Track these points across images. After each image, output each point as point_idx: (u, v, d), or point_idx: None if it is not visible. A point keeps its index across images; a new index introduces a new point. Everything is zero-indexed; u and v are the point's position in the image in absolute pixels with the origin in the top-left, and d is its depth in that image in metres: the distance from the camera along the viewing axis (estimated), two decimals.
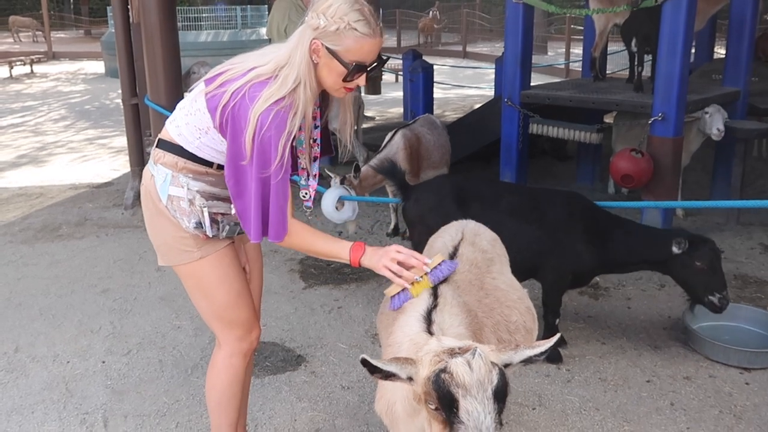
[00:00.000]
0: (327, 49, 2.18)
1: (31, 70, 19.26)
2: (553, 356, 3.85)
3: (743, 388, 3.55)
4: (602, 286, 4.72)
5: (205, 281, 2.53)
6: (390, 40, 24.09)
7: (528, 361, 1.84)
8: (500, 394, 1.70)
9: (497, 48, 20.30)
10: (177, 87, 6.16)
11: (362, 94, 10.18)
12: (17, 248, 5.56)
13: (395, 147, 5.31)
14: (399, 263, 2.26)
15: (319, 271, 5.05)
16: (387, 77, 15.97)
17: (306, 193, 2.56)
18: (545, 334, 3.78)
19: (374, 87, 12.71)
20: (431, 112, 7.89)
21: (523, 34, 6.20)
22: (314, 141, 2.48)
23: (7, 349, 3.97)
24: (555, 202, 3.68)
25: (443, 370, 1.67)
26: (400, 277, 2.25)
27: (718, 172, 6.44)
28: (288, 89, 2.19)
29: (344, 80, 2.23)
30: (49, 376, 3.69)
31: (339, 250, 2.36)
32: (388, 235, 5.77)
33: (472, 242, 2.67)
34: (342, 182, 4.86)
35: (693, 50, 6.59)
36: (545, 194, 3.81)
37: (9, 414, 3.36)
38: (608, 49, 7.36)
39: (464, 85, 15.39)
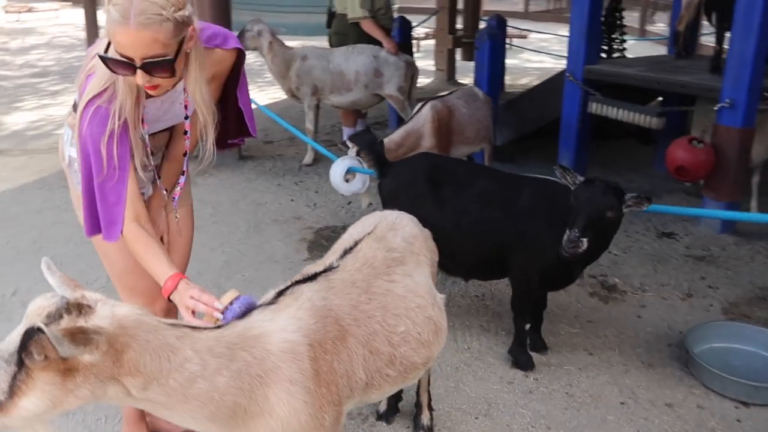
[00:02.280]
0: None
1: None
2: (538, 345, 3.59)
3: (732, 426, 3.12)
4: (620, 288, 4.30)
5: (104, 245, 2.47)
6: (515, 4, 23.14)
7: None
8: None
9: (632, 17, 19.02)
10: None
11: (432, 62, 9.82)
12: (60, 194, 5.76)
13: (422, 119, 5.03)
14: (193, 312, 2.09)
15: (330, 243, 4.93)
16: None
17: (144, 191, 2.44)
18: (514, 339, 3.51)
19: (470, 53, 12.20)
20: (499, 83, 7.48)
21: (590, 1, 5.69)
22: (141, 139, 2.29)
23: (5, 292, 4.15)
24: (522, 188, 3.33)
25: None
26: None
27: None
28: (105, 81, 2.06)
29: (112, 71, 2.03)
30: None
31: (158, 276, 2.19)
32: None
33: (380, 238, 2.45)
34: (358, 154, 4.69)
35: None
36: (517, 180, 3.46)
37: None
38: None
39: None
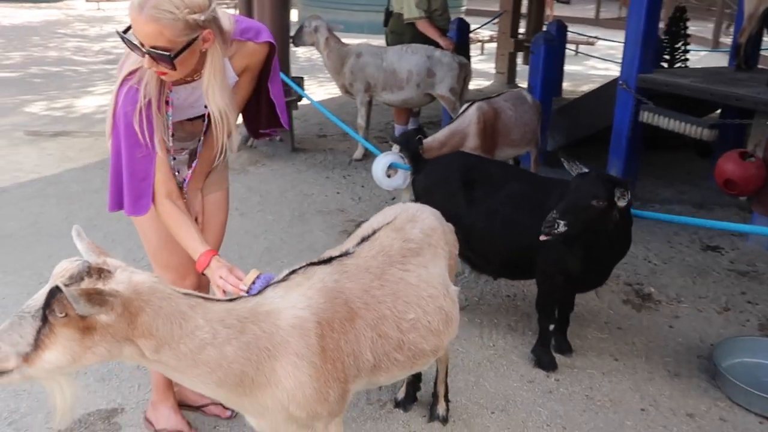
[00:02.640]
0: None
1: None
2: (563, 346, 3.61)
3: None
4: (654, 298, 4.26)
5: (140, 221, 2.64)
6: (587, 10, 22.81)
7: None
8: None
9: (707, 29, 18.53)
10: (283, 39, 6.34)
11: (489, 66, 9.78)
12: None
13: (467, 120, 5.08)
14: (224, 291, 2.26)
15: None
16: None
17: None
18: (538, 339, 3.54)
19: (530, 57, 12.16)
20: (554, 88, 7.45)
21: (647, 9, 5.63)
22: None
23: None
24: (552, 190, 3.36)
25: None
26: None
27: None
28: (137, 63, 2.20)
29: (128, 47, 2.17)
30: None
31: (192, 250, 2.36)
32: None
33: (399, 228, 2.53)
34: (401, 150, 4.78)
35: None
36: (548, 182, 3.49)
37: None
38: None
39: None
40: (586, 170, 3.13)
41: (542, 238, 2.99)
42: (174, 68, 2.14)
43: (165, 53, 2.09)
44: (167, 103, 2.37)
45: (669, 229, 5.35)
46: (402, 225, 2.56)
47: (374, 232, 2.49)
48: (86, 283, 1.72)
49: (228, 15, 2.39)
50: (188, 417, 3.00)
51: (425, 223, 2.63)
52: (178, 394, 3.04)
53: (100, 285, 1.72)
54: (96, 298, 1.66)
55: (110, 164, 2.38)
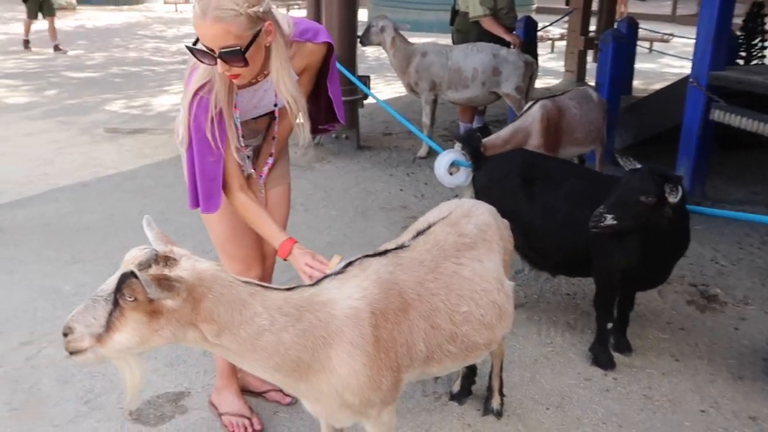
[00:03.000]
0: None
1: None
2: (622, 345, 3.59)
3: None
4: (720, 299, 4.17)
5: (208, 216, 2.77)
6: (664, 7, 22.22)
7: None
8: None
9: None
10: (350, 38, 6.47)
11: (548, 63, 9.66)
12: None
13: (531, 118, 5.07)
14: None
15: None
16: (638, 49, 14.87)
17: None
18: (596, 337, 3.52)
19: None
20: (623, 86, 7.33)
21: (720, 4, 5.49)
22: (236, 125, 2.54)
23: None
24: (612, 188, 3.34)
25: None
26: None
27: None
28: (206, 74, 2.34)
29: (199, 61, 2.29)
30: None
31: (272, 238, 2.51)
32: None
33: (454, 223, 2.58)
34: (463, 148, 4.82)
35: None
36: (608, 180, 3.47)
37: None
38: None
39: None
40: (639, 166, 3.09)
41: (590, 230, 3.02)
42: (246, 64, 2.24)
43: (236, 49, 2.19)
44: (235, 106, 2.49)
45: (740, 231, 5.21)
46: (457, 220, 2.61)
47: (429, 227, 2.55)
48: (153, 270, 1.83)
49: (287, 17, 2.50)
50: (250, 402, 3.12)
51: (480, 218, 2.67)
52: (241, 380, 3.17)
53: (166, 272, 1.83)
54: (164, 283, 1.77)
55: (186, 168, 2.53)
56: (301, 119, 2.56)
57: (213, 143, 2.41)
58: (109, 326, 1.81)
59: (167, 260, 1.88)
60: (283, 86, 2.39)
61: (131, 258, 1.87)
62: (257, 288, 2.02)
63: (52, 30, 12.56)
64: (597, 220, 3.01)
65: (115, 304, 1.81)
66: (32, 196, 5.65)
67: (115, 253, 4.54)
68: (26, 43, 12.75)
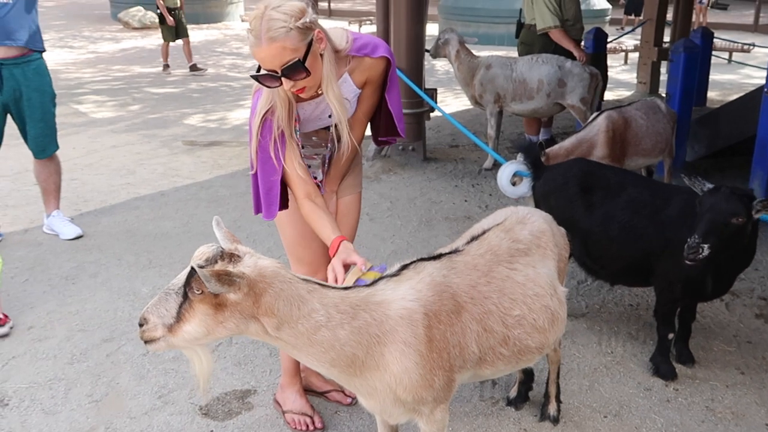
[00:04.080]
0: None
1: None
2: (684, 356, 3.57)
3: None
4: None
5: (281, 220, 2.95)
6: (745, 16, 21.55)
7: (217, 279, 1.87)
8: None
9: None
10: (417, 52, 6.59)
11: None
12: None
13: (596, 128, 5.07)
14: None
15: None
16: (715, 60, 14.48)
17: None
18: (657, 348, 3.51)
19: None
20: (696, 97, 7.20)
21: None
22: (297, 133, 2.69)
23: None
24: (673, 197, 3.33)
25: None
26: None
27: None
28: (270, 99, 2.53)
29: (263, 85, 2.45)
30: None
31: (326, 238, 2.63)
32: None
33: (508, 229, 2.65)
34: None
35: None
36: (668, 189, 3.46)
37: None
38: None
39: None
40: (711, 186, 3.08)
41: (688, 263, 2.95)
42: (308, 73, 2.39)
43: (296, 61, 2.35)
44: (296, 120, 2.65)
45: None
46: (511, 226, 2.67)
47: (484, 232, 2.63)
48: (219, 266, 1.97)
49: (346, 32, 2.64)
50: (312, 401, 3.24)
51: (534, 225, 2.73)
52: (305, 380, 3.31)
53: (229, 267, 1.97)
54: (225, 278, 1.91)
55: (252, 180, 2.77)
56: (343, 124, 2.66)
57: (276, 161, 2.59)
58: (179, 317, 1.96)
59: (232, 257, 2.02)
60: (331, 93, 2.53)
61: (199, 254, 2.02)
62: (316, 286, 2.14)
63: (188, 50, 12.92)
64: (695, 252, 2.91)
65: (185, 297, 1.96)
66: (115, 204, 5.98)
67: (189, 258, 4.76)
68: (166, 67, 12.97)
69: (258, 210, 2.79)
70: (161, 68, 13.06)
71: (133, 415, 3.24)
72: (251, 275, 1.97)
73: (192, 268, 1.95)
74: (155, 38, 18.12)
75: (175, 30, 12.68)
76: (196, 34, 19.42)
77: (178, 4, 12.64)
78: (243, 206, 5.80)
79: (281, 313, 2.02)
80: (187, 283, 1.96)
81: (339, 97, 2.55)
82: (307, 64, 2.38)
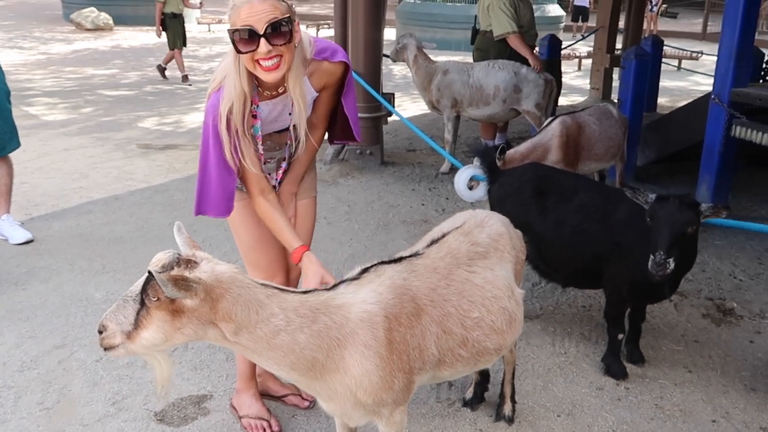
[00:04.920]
0: (229, 33, 2.40)
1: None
2: (634, 356, 3.64)
3: None
4: (737, 313, 4.21)
5: (233, 221, 2.93)
6: (694, 25, 22.14)
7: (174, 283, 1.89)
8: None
9: None
10: (375, 56, 6.62)
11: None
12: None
13: (550, 133, 5.16)
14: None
15: None
16: (664, 67, 14.85)
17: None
18: (608, 348, 3.58)
19: None
20: (646, 103, 7.39)
21: (742, 21, 5.54)
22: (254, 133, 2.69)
23: None
24: (622, 202, 3.41)
25: None
26: None
27: None
28: (218, 82, 2.51)
29: (238, 52, 2.40)
30: None
31: (287, 243, 2.67)
32: None
33: (467, 233, 2.69)
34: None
35: None
36: (618, 194, 3.54)
37: None
38: None
39: None
40: (653, 195, 3.12)
41: (656, 280, 3.05)
42: (290, 39, 2.40)
43: (285, 17, 2.37)
44: (254, 116, 2.63)
45: (760, 246, 5.24)
46: (470, 229, 2.71)
47: (444, 236, 2.66)
48: (175, 272, 1.96)
49: (308, 36, 2.64)
50: (269, 405, 3.23)
51: (493, 228, 2.77)
52: (261, 384, 3.29)
53: (186, 273, 1.96)
54: (181, 283, 1.90)
55: (198, 179, 2.71)
56: (302, 123, 2.67)
57: (233, 158, 2.57)
58: (137, 324, 1.95)
59: (189, 263, 2.01)
60: (298, 90, 2.54)
61: (156, 261, 2.01)
62: (274, 290, 2.14)
63: (181, 61, 12.43)
64: (663, 268, 2.96)
65: (142, 303, 1.95)
66: (67, 208, 5.87)
67: (144, 263, 4.66)
68: (185, 78, 12.37)
69: (200, 211, 2.73)
70: (180, 80, 12.40)
71: (86, 423, 3.18)
72: (207, 280, 1.97)
73: (149, 275, 1.94)
74: (108, 40, 17.86)
75: (182, 35, 12.22)
76: (152, 36, 19.18)
77: (182, 10, 12.16)
78: None
79: (239, 318, 2.02)
80: (144, 290, 1.95)
81: (303, 94, 2.57)
82: (292, 33, 2.40)
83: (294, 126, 2.71)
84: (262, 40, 2.35)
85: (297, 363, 2.14)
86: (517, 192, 3.71)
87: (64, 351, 3.73)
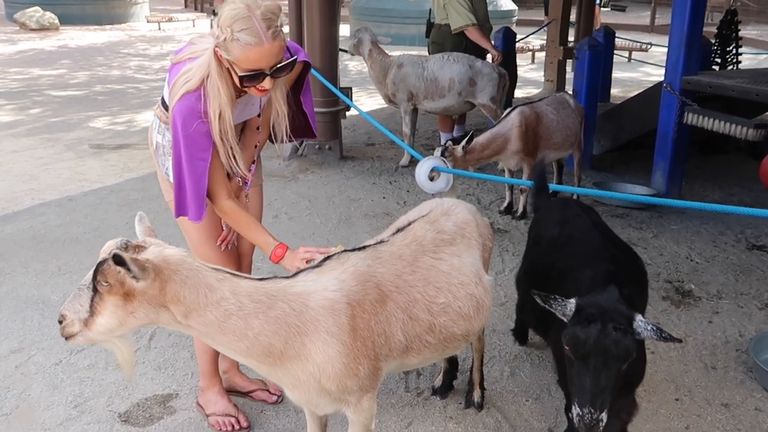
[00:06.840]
0: (225, 58, 2.36)
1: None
2: None
3: None
4: (695, 294, 4.30)
5: (183, 222, 2.86)
6: (642, 17, 22.58)
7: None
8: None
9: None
10: (331, 52, 6.59)
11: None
12: None
13: (510, 123, 5.22)
14: (307, 261, 2.48)
15: None
16: (618, 58, 15.09)
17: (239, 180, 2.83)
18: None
19: None
20: (600, 93, 7.51)
21: (691, 11, 5.66)
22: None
23: None
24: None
25: None
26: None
27: None
28: (195, 85, 2.45)
29: (243, 86, 2.40)
30: None
31: (263, 243, 2.63)
32: (501, 212, 5.70)
33: (433, 221, 2.69)
34: (443, 153, 4.93)
35: None
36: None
37: None
38: None
39: None
40: (573, 305, 2.29)
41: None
42: (291, 71, 2.48)
43: (291, 60, 2.44)
44: None
45: (715, 230, 5.36)
46: (436, 218, 2.72)
47: (409, 224, 2.65)
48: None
49: None
50: (237, 401, 3.19)
51: (459, 216, 2.78)
52: (228, 381, 3.25)
53: (135, 256, 1.94)
54: (135, 262, 1.90)
55: (175, 183, 2.60)
56: (282, 120, 2.65)
57: (208, 150, 2.52)
58: (92, 311, 1.97)
59: (137, 248, 2.02)
60: (280, 94, 2.56)
61: (106, 248, 2.02)
62: (226, 275, 2.13)
63: None
64: (594, 428, 2.11)
65: (95, 290, 1.96)
66: (19, 211, 5.71)
67: None
68: None
69: (180, 213, 2.66)
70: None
71: (48, 427, 3.09)
72: (155, 261, 1.96)
73: (98, 262, 1.93)
74: (55, 39, 17.42)
75: None
76: (100, 35, 18.79)
77: None
78: (156, 209, 5.63)
79: (188, 301, 2.02)
80: (94, 276, 1.94)
81: (284, 96, 2.58)
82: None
83: (273, 127, 2.71)
84: (268, 78, 2.38)
85: (251, 348, 2.13)
86: (547, 222, 3.39)
87: (22, 355, 3.62)
